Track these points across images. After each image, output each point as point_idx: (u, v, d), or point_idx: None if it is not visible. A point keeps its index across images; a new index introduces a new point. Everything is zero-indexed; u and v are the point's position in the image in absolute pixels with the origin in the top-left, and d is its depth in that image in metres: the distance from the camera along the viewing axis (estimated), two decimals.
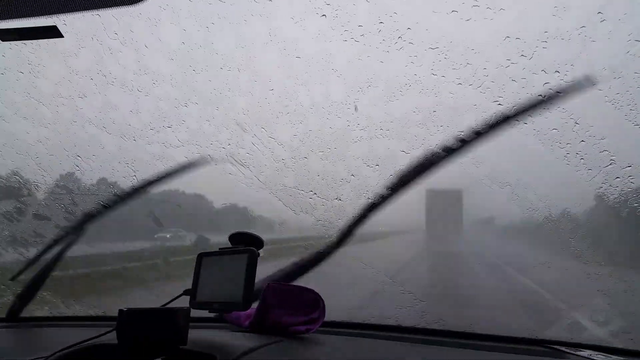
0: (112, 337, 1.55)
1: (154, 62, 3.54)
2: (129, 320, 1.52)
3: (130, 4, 1.49)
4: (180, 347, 1.57)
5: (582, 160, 3.06)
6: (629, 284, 2.94)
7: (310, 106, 3.72)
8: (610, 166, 2.98)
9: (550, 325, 2.88)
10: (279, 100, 3.68)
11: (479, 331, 2.20)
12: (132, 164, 3.61)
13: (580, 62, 2.98)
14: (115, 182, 3.83)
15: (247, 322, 2.19)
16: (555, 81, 2.98)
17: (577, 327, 2.80)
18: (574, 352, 1.89)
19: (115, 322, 1.52)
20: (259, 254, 1.78)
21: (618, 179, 3.02)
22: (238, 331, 2.19)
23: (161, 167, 3.57)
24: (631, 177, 2.95)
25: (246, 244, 1.82)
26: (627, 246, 3.75)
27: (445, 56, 3.20)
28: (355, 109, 3.40)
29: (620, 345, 2.07)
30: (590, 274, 3.33)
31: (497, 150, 3.59)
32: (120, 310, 1.53)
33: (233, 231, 1.93)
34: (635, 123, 2.77)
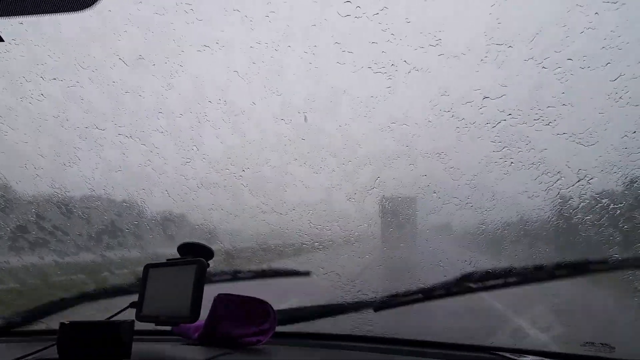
0: (52, 352, 1.50)
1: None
2: (70, 334, 1.48)
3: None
4: None
5: (532, 169, 3.19)
6: (569, 290, 3.05)
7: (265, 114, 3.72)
8: (559, 180, 3.11)
9: (495, 332, 2.95)
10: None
11: (427, 339, 2.24)
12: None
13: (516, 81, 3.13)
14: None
15: (196, 335, 2.15)
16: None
17: (521, 333, 2.89)
18: (517, 358, 1.94)
19: (56, 336, 1.48)
20: (208, 264, 1.76)
21: (566, 190, 3.15)
22: (187, 344, 2.15)
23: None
24: (580, 188, 3.08)
25: (195, 255, 1.80)
26: (570, 253, 3.90)
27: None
28: (305, 119, 3.42)
29: (561, 350, 2.15)
30: (538, 280, 3.43)
31: (446, 160, 3.68)
32: (62, 324, 1.48)
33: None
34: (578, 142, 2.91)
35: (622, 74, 2.73)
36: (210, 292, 1.77)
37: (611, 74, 2.75)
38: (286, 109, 3.55)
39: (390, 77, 3.29)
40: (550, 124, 3.04)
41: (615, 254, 2.84)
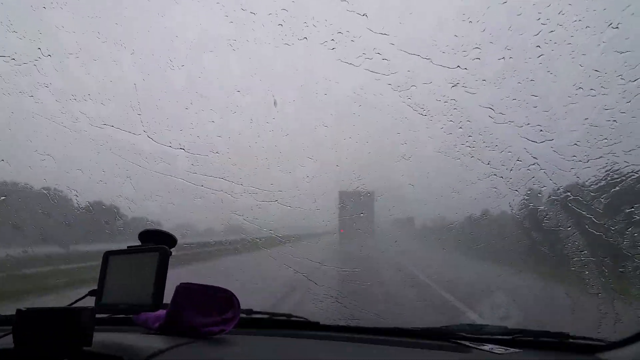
0: (8, 342, 1.45)
1: None
2: (28, 321, 1.43)
3: None
4: (85, 348, 1.49)
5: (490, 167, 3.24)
6: (526, 282, 3.14)
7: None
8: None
9: (456, 321, 3.01)
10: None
11: (387, 326, 2.27)
12: None
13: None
14: None
15: (157, 324, 2.12)
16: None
17: (481, 322, 2.96)
18: (477, 347, 1.99)
19: (11, 326, 1.42)
20: (170, 252, 1.73)
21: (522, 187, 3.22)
22: (148, 333, 2.11)
23: None
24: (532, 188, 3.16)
25: (157, 242, 1.76)
26: (526, 249, 4.01)
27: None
28: (275, 103, 3.40)
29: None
30: (495, 273, 3.52)
31: (411, 160, 3.72)
32: (18, 310, 1.43)
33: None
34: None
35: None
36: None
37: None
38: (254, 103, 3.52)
39: (358, 69, 3.29)
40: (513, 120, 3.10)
41: (567, 246, 2.93)
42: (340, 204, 5.59)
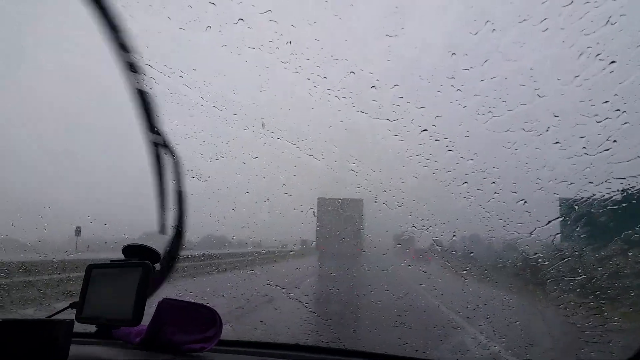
0: None
1: None
2: (1, 332, 1.41)
3: None
4: None
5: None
6: (508, 310, 3.14)
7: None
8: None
9: (438, 346, 3.01)
10: None
11: (371, 350, 2.27)
12: None
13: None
14: None
15: (137, 339, 2.10)
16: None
17: (462, 347, 2.95)
18: None
19: None
20: (154, 268, 1.73)
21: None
22: (128, 348, 2.09)
23: None
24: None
25: (141, 257, 1.76)
26: (512, 275, 4.01)
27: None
28: (262, 125, 3.41)
29: None
30: (480, 298, 3.52)
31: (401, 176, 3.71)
32: None
33: None
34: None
35: None
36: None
37: None
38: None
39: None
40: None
41: (551, 272, 2.95)
42: (319, 214, 4.77)
